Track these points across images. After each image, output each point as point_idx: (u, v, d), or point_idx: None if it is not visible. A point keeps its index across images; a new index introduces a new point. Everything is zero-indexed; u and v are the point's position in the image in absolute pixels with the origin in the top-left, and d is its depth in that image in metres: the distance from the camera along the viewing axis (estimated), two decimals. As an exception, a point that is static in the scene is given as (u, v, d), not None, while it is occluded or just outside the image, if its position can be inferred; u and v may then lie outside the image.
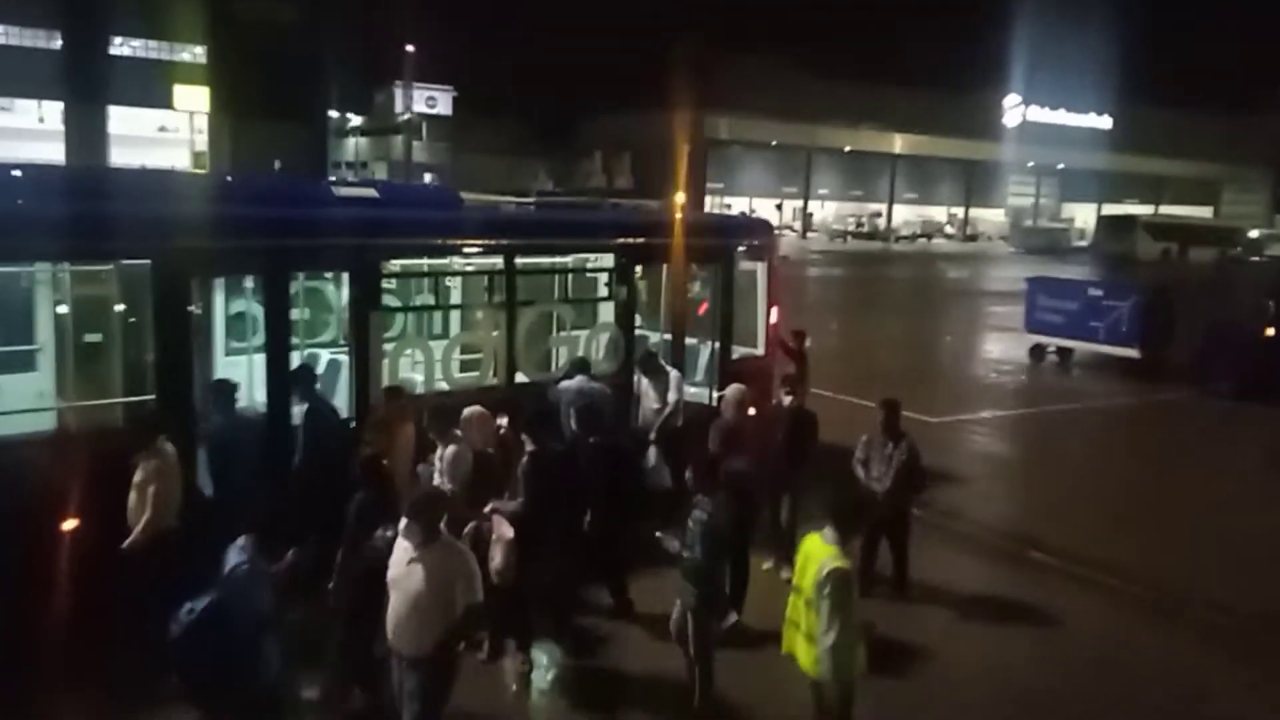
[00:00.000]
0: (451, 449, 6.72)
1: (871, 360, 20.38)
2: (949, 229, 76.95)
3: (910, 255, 58.46)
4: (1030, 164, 75.08)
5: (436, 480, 6.64)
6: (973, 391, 18.20)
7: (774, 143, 69.00)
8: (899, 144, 71.29)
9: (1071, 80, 70.82)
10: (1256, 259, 62.96)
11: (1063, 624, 7.84)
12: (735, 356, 10.58)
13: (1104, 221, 65.83)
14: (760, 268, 11.17)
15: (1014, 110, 73.91)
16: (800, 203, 71.52)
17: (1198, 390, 17.39)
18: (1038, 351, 21.01)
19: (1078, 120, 75.63)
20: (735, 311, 10.71)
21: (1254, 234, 67.49)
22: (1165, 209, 75.68)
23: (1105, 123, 76.06)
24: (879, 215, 74.38)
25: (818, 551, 5.03)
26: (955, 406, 16.12)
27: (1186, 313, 20.15)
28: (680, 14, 61.61)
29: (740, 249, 10.93)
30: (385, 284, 8.73)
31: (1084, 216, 75.81)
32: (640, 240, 10.01)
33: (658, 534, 6.23)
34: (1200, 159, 77.57)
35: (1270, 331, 17.42)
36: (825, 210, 75.31)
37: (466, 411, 6.95)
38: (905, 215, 75.51)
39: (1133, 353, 19.14)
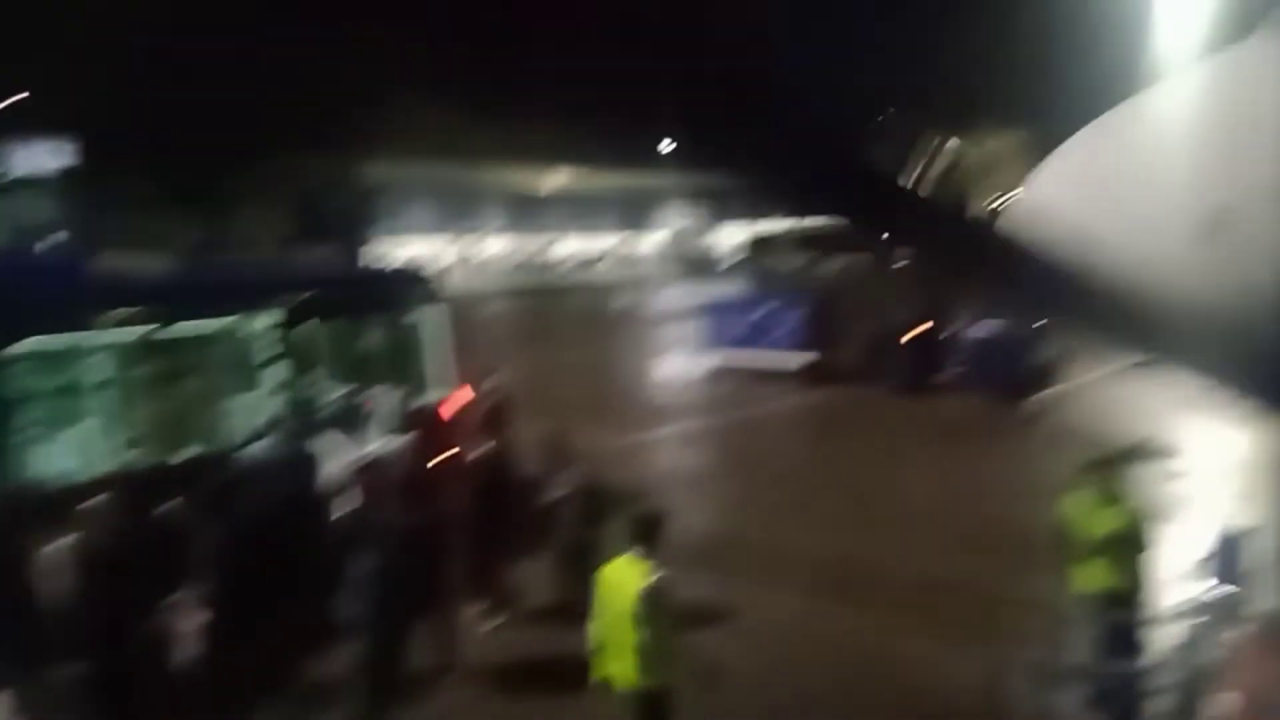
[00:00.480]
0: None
1: (561, 389, 20.64)
2: (614, 258, 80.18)
3: (581, 286, 60.28)
4: (687, 191, 79.93)
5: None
6: (654, 410, 18.92)
7: (441, 182, 68.73)
8: (562, 179, 73.42)
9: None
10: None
11: (763, 615, 8.34)
12: (413, 406, 10.34)
13: (752, 240, 71.76)
14: (431, 311, 11.02)
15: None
16: (471, 241, 71.67)
17: (879, 386, 18.74)
18: (719, 368, 21.66)
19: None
20: (410, 358, 10.48)
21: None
22: (803, 224, 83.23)
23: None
24: (548, 250, 76.17)
25: (630, 571, 5.40)
26: (639, 425, 16.73)
27: (853, 316, 21.77)
28: (345, 51, 59.42)
29: (410, 293, 10.73)
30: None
31: (736, 236, 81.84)
32: (302, 294, 9.55)
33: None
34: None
35: (926, 327, 19.13)
36: (495, 247, 76.04)
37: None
38: (574, 248, 77.86)
39: (809, 358, 20.36)
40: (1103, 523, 6.57)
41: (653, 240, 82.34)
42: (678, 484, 13.38)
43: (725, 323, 21.67)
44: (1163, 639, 6.75)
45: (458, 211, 71.75)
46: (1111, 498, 6.61)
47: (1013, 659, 6.62)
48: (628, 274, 69.51)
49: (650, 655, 5.30)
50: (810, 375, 20.20)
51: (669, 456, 15.25)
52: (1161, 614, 6.91)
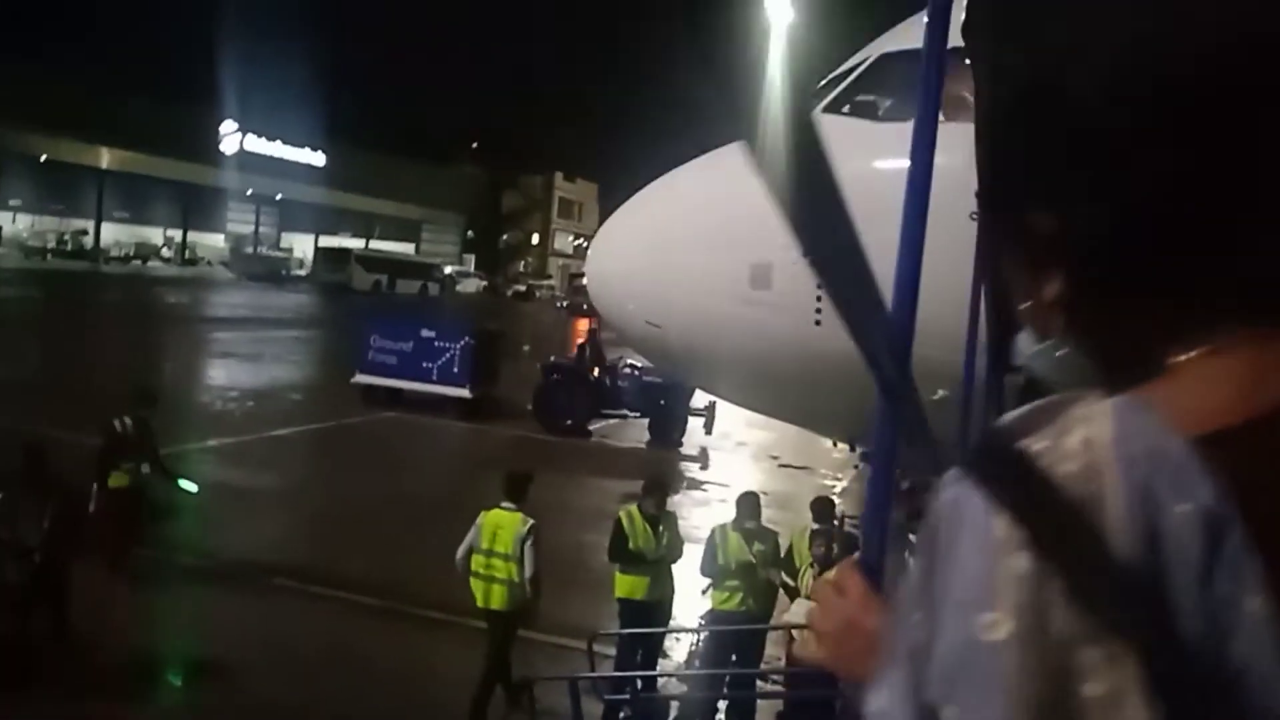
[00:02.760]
0: None
1: (87, 389, 18.42)
2: (166, 252, 73.34)
3: (124, 277, 54.30)
4: (250, 192, 75.34)
5: None
6: (202, 419, 17.61)
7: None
8: (106, 159, 65.79)
9: (287, 114, 72.85)
10: (463, 291, 72.44)
11: (298, 635, 8.10)
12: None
13: (321, 253, 69.30)
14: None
15: (231, 137, 73.40)
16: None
17: (539, 423, 18.86)
18: (369, 392, 20.08)
19: (294, 154, 78.05)
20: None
21: (449, 269, 77.01)
22: (375, 243, 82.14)
23: (319, 159, 79.82)
24: (85, 233, 67.70)
25: (508, 518, 7.14)
26: (184, 436, 15.44)
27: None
28: None
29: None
30: None
31: (303, 246, 78.57)
32: None
33: None
34: (403, 199, 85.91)
35: (595, 371, 19.56)
36: (18, 224, 66.05)
37: None
38: (117, 235, 69.91)
39: (464, 392, 19.75)
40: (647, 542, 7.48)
41: (211, 238, 76.46)
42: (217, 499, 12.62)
43: (392, 347, 20.25)
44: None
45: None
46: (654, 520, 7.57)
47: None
48: (181, 271, 63.94)
49: (515, 585, 7.00)
50: (463, 408, 19.72)
51: (212, 469, 14.27)
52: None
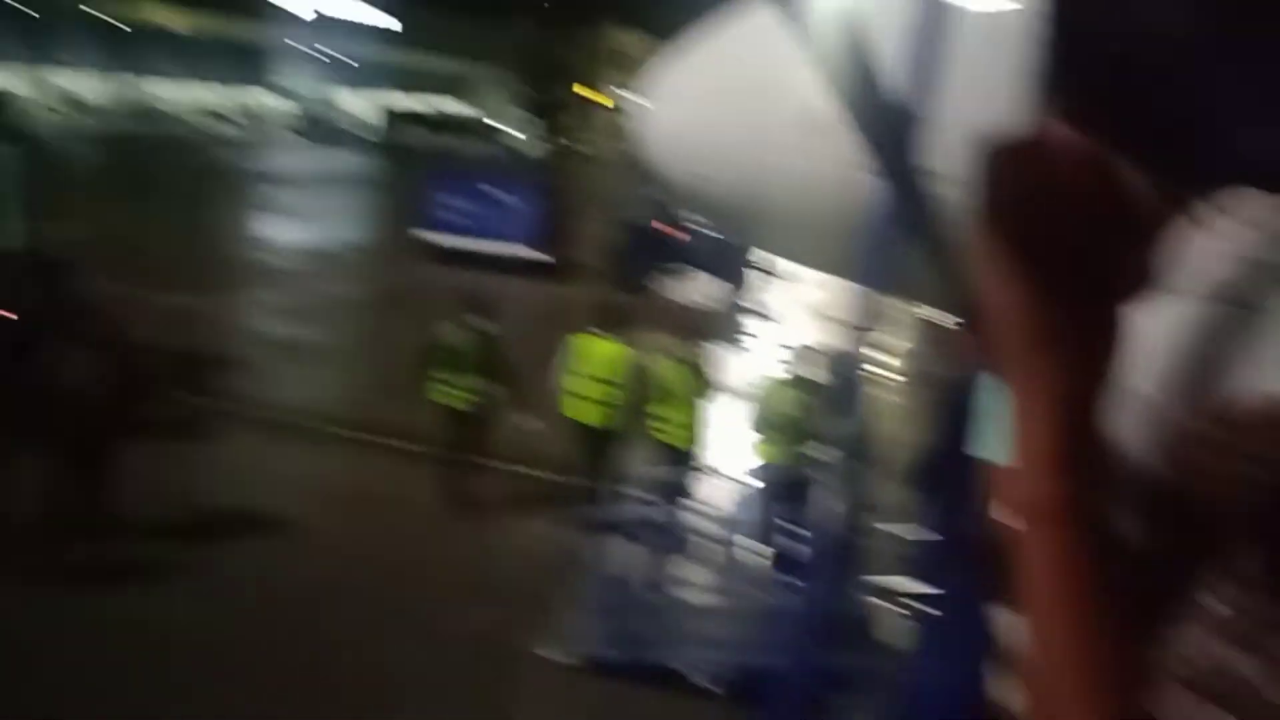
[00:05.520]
0: None
1: (150, 247, 18.87)
2: (235, 114, 73.63)
3: (194, 140, 54.79)
4: (316, 51, 74.81)
5: None
6: (261, 276, 17.93)
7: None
8: (175, 19, 65.66)
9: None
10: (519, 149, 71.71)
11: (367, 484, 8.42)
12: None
13: (385, 114, 69.12)
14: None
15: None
16: (61, 79, 62.19)
17: (612, 284, 18.18)
18: (438, 251, 20.00)
19: (361, 15, 76.93)
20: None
21: (506, 128, 75.97)
22: (435, 102, 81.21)
23: (385, 19, 78.52)
24: (150, 94, 68.13)
25: (605, 347, 7.89)
26: (243, 291, 15.85)
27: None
28: None
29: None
30: None
31: (368, 108, 78.20)
32: None
33: None
34: (461, 57, 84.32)
35: (665, 229, 19.12)
36: (91, 88, 66.63)
37: None
38: (188, 96, 70.27)
39: (534, 251, 19.55)
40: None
41: (274, 99, 76.30)
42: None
43: (459, 204, 19.96)
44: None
45: (39, 38, 61.82)
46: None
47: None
48: (247, 131, 64.29)
49: (612, 407, 7.74)
50: (529, 266, 19.38)
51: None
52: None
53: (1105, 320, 0.66)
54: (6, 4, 58.39)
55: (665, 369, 7.78)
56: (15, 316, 8.59)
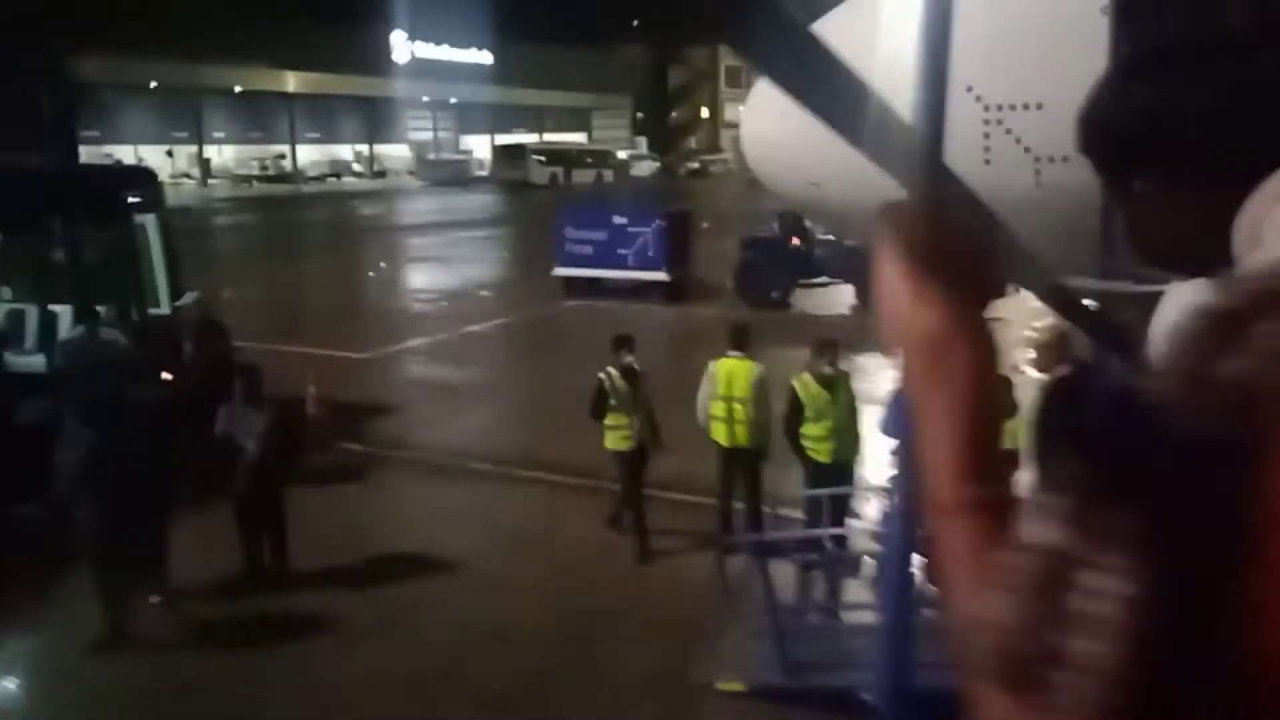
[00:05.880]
0: None
1: (297, 302, 19.75)
2: (356, 166, 76.64)
3: (321, 196, 57.24)
4: (425, 98, 77.29)
5: None
6: (403, 322, 18.50)
7: (154, 84, 62.51)
8: (293, 82, 68.80)
9: (451, 17, 73.70)
10: (637, 175, 72.27)
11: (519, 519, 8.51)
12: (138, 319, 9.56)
13: (499, 151, 70.44)
14: (149, 220, 10.11)
15: (402, 46, 75.16)
16: (194, 148, 65.99)
17: (743, 301, 18.31)
18: (569, 284, 20.40)
19: (462, 56, 79.21)
20: (131, 270, 9.62)
21: (622, 155, 76.82)
22: (548, 136, 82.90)
23: (486, 58, 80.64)
24: (283, 157, 71.57)
25: (738, 365, 7.81)
26: (387, 338, 16.29)
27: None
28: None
29: (124, 201, 9.77)
30: None
31: (480, 147, 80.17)
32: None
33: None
34: (570, 88, 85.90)
35: (795, 241, 19.20)
36: (224, 155, 70.51)
37: None
38: (311, 155, 73.54)
39: (661, 275, 19.78)
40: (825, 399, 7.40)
41: (396, 149, 79.15)
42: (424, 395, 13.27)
43: (586, 237, 20.36)
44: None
45: (182, 115, 65.77)
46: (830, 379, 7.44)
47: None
48: (372, 183, 66.82)
49: (753, 425, 7.71)
50: (665, 292, 19.56)
51: (416, 368, 15.00)
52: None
53: (977, 320, 0.83)
54: (139, 85, 62.16)
55: (809, 385, 7.53)
56: (173, 378, 9.01)
